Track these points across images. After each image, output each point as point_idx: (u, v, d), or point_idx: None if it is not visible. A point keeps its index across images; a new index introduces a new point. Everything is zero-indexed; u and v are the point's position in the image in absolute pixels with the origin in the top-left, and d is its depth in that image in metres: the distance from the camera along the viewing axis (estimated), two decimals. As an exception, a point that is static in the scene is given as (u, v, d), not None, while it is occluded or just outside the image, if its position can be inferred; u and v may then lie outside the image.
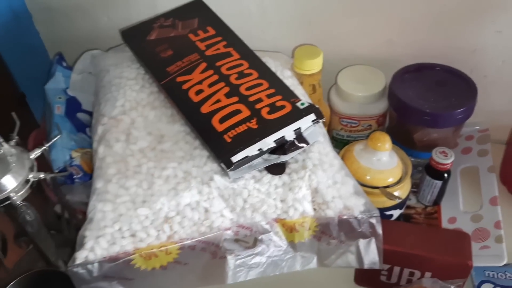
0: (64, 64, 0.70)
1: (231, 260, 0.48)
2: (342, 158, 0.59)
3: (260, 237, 0.49)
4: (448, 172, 0.62)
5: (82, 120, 0.65)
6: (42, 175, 0.50)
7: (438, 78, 0.64)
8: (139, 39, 0.61)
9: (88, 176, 0.59)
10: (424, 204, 0.66)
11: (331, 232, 0.49)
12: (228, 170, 0.46)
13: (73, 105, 0.66)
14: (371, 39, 0.69)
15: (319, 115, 0.49)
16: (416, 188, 0.66)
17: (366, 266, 0.50)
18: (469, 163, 0.69)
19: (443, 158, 0.60)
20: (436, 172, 0.62)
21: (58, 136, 0.52)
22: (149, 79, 0.58)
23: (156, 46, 0.59)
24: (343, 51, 0.70)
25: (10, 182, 0.49)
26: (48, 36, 0.82)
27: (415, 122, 0.63)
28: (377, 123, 0.68)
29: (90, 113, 0.67)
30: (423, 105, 0.61)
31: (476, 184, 0.66)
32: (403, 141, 0.65)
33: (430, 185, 0.63)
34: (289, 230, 0.49)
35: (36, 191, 0.53)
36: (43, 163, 0.56)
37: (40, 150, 0.52)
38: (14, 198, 0.49)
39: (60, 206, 0.59)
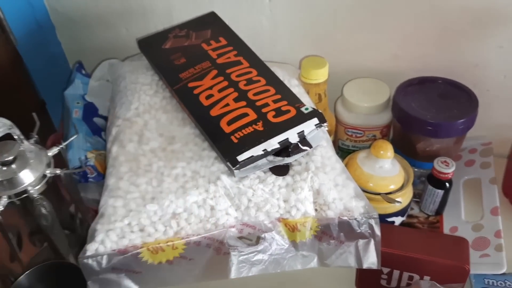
0: (83, 71, 0.74)
1: (234, 256, 0.50)
2: (346, 165, 0.61)
3: (263, 235, 0.50)
4: (450, 181, 0.63)
5: (98, 124, 0.69)
6: (58, 171, 0.53)
7: (441, 90, 0.66)
8: (155, 48, 0.64)
9: (102, 176, 0.62)
10: (427, 214, 0.67)
11: (332, 232, 0.51)
12: (234, 168, 0.49)
13: (90, 110, 0.69)
14: (376, 53, 0.71)
15: (322, 119, 0.52)
16: (419, 198, 0.68)
17: (365, 266, 0.51)
18: (471, 175, 0.70)
19: (445, 167, 0.62)
20: (438, 181, 0.63)
21: (75, 136, 0.55)
22: (163, 85, 0.62)
23: (171, 54, 0.62)
24: (349, 64, 0.73)
25: (28, 176, 0.51)
26: (70, 46, 0.86)
27: (417, 132, 0.65)
28: (382, 133, 0.70)
29: (106, 118, 0.70)
30: (425, 116, 0.63)
31: (478, 195, 0.67)
32: (406, 151, 0.67)
33: (432, 194, 0.65)
34: (291, 229, 0.51)
35: (52, 190, 0.56)
36: (60, 162, 0.59)
37: (58, 148, 0.55)
38: (31, 191, 0.51)
39: (74, 205, 0.62)
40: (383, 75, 0.71)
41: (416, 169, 0.66)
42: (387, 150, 0.60)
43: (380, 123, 0.69)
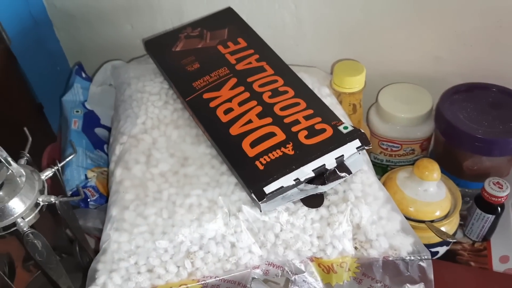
0: (84, 75, 0.66)
1: (259, 304, 0.43)
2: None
3: (292, 278, 0.44)
4: (502, 205, 0.56)
5: (100, 136, 0.61)
6: (52, 199, 0.46)
7: (493, 99, 0.58)
8: (164, 50, 0.56)
9: (104, 198, 0.54)
10: (472, 240, 0.60)
11: (374, 274, 0.44)
12: (260, 202, 0.41)
13: (91, 120, 0.61)
14: (416, 55, 0.63)
15: (365, 142, 0.44)
16: (462, 220, 0.60)
17: (414, 316, 0.44)
18: (523, 195, 0.62)
19: (498, 190, 0.54)
20: (488, 205, 0.56)
21: (72, 156, 0.47)
22: (173, 95, 0.54)
23: (182, 59, 0.54)
24: (384, 67, 0.65)
25: (18, 206, 0.44)
26: (69, 44, 0.78)
27: (465, 148, 0.56)
28: (421, 147, 0.62)
29: (108, 128, 0.62)
30: (475, 130, 0.55)
31: (532, 219, 0.60)
32: (450, 168, 0.59)
33: (481, 219, 0.57)
34: (326, 270, 0.44)
35: (48, 211, 0.49)
36: (57, 183, 0.52)
37: (52, 170, 0.47)
38: (21, 224, 0.44)
39: (71, 232, 0.55)
40: (423, 81, 0.63)
41: (460, 188, 0.58)
42: (433, 171, 0.52)
43: (420, 136, 0.61)
